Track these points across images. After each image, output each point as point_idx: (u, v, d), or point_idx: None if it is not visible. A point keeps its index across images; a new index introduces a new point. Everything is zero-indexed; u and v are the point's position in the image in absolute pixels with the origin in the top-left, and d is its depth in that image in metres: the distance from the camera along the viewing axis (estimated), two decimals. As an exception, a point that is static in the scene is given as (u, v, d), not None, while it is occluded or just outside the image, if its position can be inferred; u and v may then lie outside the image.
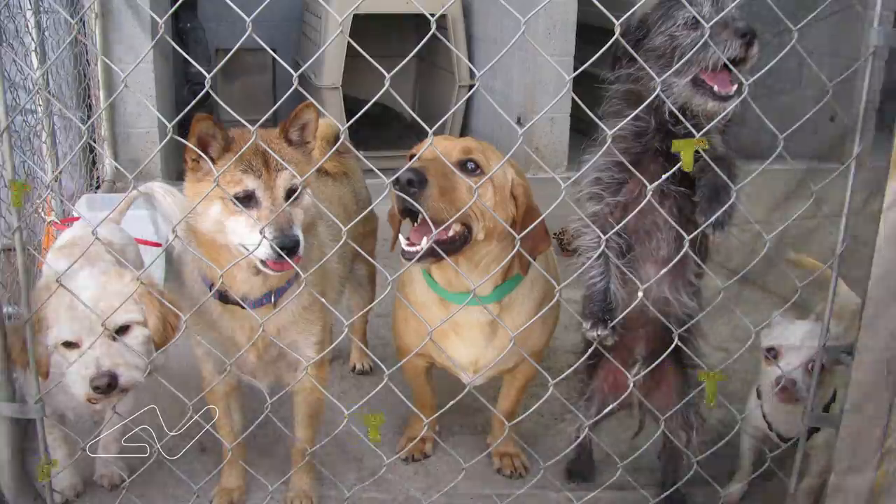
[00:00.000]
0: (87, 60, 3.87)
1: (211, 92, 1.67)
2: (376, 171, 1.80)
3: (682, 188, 2.02)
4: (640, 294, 1.96)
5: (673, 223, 1.97)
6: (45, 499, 2.05)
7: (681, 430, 2.28)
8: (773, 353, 2.21)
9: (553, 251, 2.47)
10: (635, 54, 1.97)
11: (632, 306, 2.00)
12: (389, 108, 5.68)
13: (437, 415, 2.54)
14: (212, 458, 2.44)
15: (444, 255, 1.98)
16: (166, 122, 1.76)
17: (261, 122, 1.82)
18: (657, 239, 2.08)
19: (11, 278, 2.60)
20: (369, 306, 2.88)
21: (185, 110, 1.80)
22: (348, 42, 1.78)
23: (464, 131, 5.59)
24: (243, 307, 2.01)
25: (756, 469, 2.36)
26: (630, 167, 1.93)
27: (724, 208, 1.93)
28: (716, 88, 1.92)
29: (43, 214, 2.97)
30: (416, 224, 2.01)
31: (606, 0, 1.72)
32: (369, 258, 2.88)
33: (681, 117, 1.90)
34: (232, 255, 1.93)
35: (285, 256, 1.85)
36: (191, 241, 2.00)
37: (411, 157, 2.04)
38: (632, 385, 2.11)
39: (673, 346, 2.04)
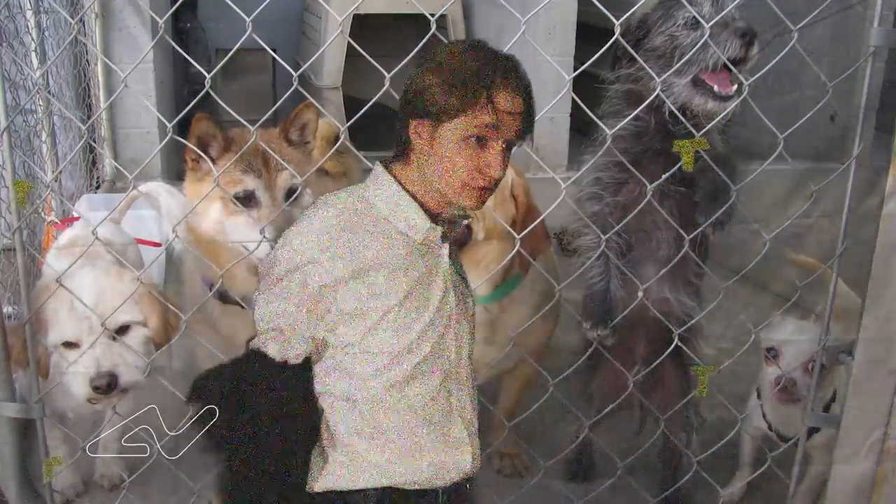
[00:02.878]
0: (87, 60, 3.86)
1: (211, 92, 1.67)
2: (376, 171, 1.79)
3: (682, 188, 2.02)
4: (641, 294, 1.97)
5: (673, 223, 1.97)
6: (45, 499, 2.05)
7: (681, 430, 2.28)
8: (773, 353, 2.21)
9: (553, 251, 2.47)
10: (635, 54, 1.97)
11: (632, 306, 2.00)
12: (389, 108, 5.67)
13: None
14: (212, 458, 2.44)
15: (444, 255, 1.98)
16: (166, 122, 1.76)
17: (261, 122, 1.82)
18: (657, 239, 2.08)
19: (11, 278, 2.60)
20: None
21: (186, 110, 1.80)
22: (348, 42, 1.78)
23: (464, 131, 5.58)
24: (243, 307, 2.01)
25: (756, 469, 2.36)
26: (630, 167, 1.94)
27: (724, 208, 1.93)
28: (716, 88, 1.92)
29: (43, 214, 2.97)
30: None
31: (606, 0, 1.72)
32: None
33: (681, 117, 1.90)
34: (232, 255, 1.93)
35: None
36: (191, 241, 2.00)
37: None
38: (632, 385, 2.11)
39: (673, 346, 2.04)
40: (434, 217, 1.47)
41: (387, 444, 1.47)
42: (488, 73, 1.38)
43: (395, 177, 1.47)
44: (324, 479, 1.49)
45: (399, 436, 1.47)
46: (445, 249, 1.50)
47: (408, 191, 1.46)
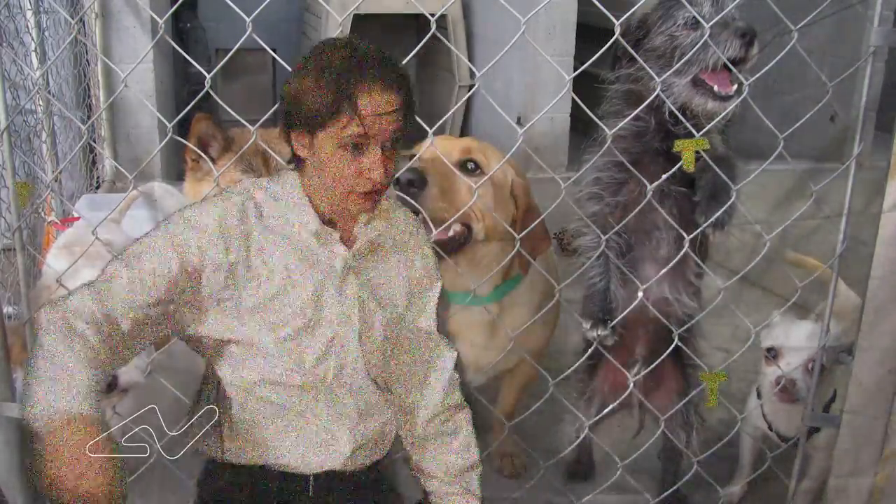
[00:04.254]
0: (87, 60, 3.87)
1: (211, 92, 1.67)
2: (376, 171, 1.79)
3: (682, 188, 2.02)
4: (640, 294, 1.97)
5: (673, 223, 1.97)
6: (45, 499, 2.05)
7: (681, 430, 2.28)
8: (773, 353, 2.21)
9: (553, 251, 2.47)
10: (635, 54, 1.97)
11: (632, 306, 2.00)
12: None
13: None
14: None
15: (444, 255, 1.98)
16: (166, 122, 1.76)
17: (261, 122, 1.82)
18: (657, 239, 2.08)
19: (11, 278, 2.60)
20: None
21: (186, 110, 1.80)
22: (348, 42, 1.77)
23: (464, 131, 5.58)
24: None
25: (756, 469, 2.36)
26: (630, 167, 1.94)
27: (724, 208, 1.93)
28: (716, 88, 1.92)
29: (43, 214, 2.97)
30: (416, 224, 2.01)
31: (606, 0, 1.72)
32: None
33: (681, 117, 1.90)
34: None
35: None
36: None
37: (411, 157, 2.04)
38: (632, 385, 2.11)
39: (673, 346, 2.05)
40: (331, 223, 1.46)
41: (250, 431, 1.51)
42: (349, 79, 1.32)
43: (299, 181, 1.47)
44: (209, 447, 1.56)
45: (262, 427, 1.50)
46: (338, 261, 1.47)
47: (308, 196, 1.45)
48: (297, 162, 1.47)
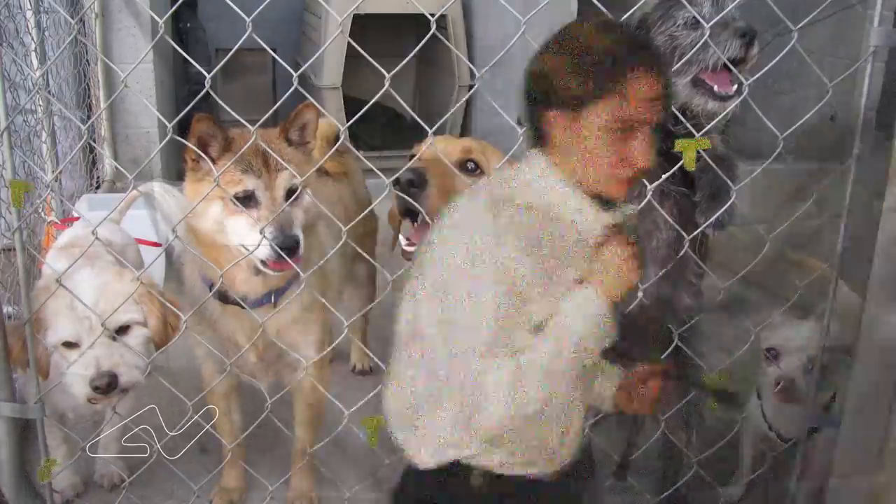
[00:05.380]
0: (87, 60, 3.87)
1: (211, 92, 1.67)
2: (376, 171, 1.80)
3: (682, 188, 2.02)
4: (640, 294, 1.96)
5: (673, 223, 1.97)
6: (44, 499, 2.05)
7: (680, 430, 2.27)
8: (773, 353, 2.21)
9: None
10: (635, 54, 1.96)
11: (632, 306, 2.00)
12: (389, 108, 5.67)
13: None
14: (212, 458, 2.44)
15: (444, 255, 1.98)
16: (166, 122, 1.77)
17: (261, 122, 1.83)
18: (657, 239, 2.08)
19: (11, 278, 2.60)
20: (369, 306, 2.88)
21: (185, 110, 1.80)
22: (348, 42, 1.78)
23: (464, 131, 5.58)
24: (243, 307, 2.01)
25: (756, 469, 2.36)
26: (630, 167, 1.93)
27: (724, 208, 1.93)
28: (716, 88, 1.92)
29: (43, 214, 2.97)
30: (416, 224, 2.01)
31: (606, 0, 1.72)
32: (369, 258, 2.88)
33: (681, 117, 1.90)
34: (232, 255, 1.93)
35: (285, 256, 1.85)
36: (191, 241, 2.00)
37: (411, 157, 2.04)
38: (632, 385, 2.11)
39: (673, 346, 2.04)
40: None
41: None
42: (620, 62, 1.27)
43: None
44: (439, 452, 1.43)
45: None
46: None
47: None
48: (537, 145, 1.38)
